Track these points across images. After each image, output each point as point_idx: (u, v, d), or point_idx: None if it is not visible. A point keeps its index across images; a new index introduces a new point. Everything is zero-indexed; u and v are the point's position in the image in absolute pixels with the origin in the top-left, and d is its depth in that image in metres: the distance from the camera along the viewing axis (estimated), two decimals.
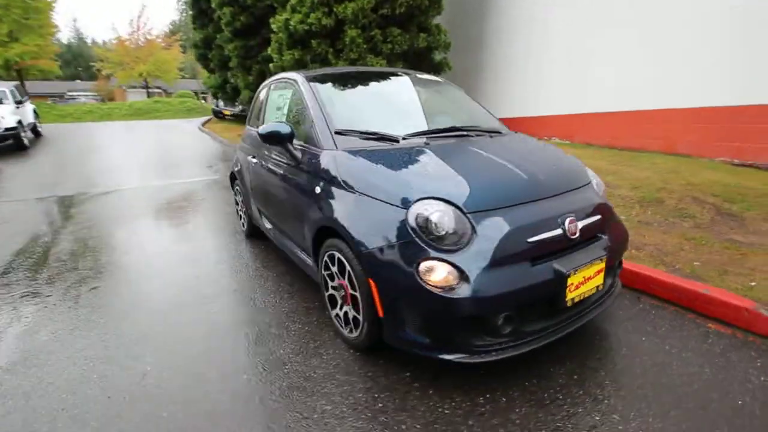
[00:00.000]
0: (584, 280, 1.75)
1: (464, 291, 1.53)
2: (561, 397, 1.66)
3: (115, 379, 1.89)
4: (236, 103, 14.61)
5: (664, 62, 5.08)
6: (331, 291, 2.16)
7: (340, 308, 2.10)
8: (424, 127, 2.39)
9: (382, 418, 1.60)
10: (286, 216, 2.67)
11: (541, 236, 1.67)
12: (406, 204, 1.69)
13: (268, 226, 3.15)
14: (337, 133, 2.18)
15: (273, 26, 8.22)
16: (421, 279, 1.57)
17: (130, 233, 4.12)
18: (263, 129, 2.34)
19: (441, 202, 1.66)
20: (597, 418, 1.55)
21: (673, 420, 1.52)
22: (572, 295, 1.72)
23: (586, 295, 1.79)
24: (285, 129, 2.29)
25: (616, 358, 1.91)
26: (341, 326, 2.11)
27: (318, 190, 2.10)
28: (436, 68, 8.47)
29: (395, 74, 2.94)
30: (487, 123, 2.63)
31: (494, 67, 8.78)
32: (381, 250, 1.69)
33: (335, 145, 2.12)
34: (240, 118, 20.09)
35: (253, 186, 3.33)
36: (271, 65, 9.05)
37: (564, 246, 1.74)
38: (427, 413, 1.61)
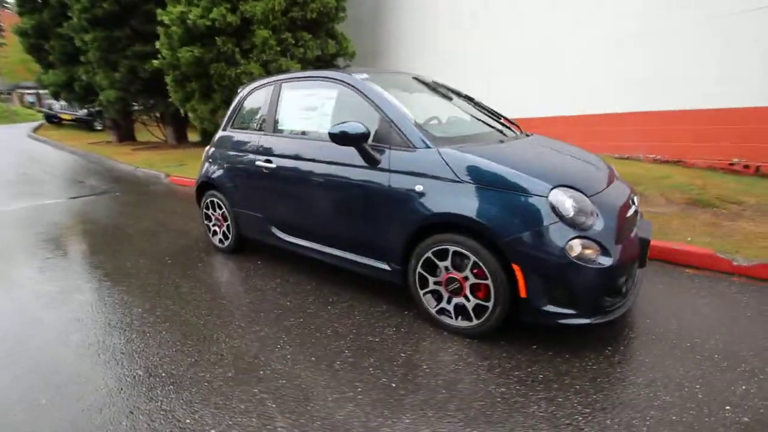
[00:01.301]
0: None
1: (606, 261, 1.83)
2: (654, 336, 2.10)
3: None
4: (89, 105, 11.83)
5: (558, 81, 6.40)
6: (432, 287, 2.21)
7: (448, 302, 2.17)
8: (479, 127, 2.62)
9: (555, 385, 1.77)
10: (343, 223, 2.54)
11: (630, 212, 2.10)
12: (542, 192, 1.89)
13: (289, 239, 2.90)
14: None
15: (164, 18, 7.18)
16: (571, 256, 1.81)
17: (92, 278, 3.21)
18: (337, 129, 2.22)
19: (571, 189, 1.92)
20: (688, 344, 2.02)
21: (728, 334, 2.09)
22: (647, 256, 2.19)
23: (648, 258, 2.29)
24: (362, 129, 2.21)
25: (659, 302, 2.45)
26: (451, 319, 2.17)
27: (420, 188, 2.12)
28: None
29: (419, 78, 3.05)
30: (509, 126, 2.99)
31: None
32: (527, 236, 1.86)
33: (429, 143, 2.17)
34: (85, 123, 16.48)
35: (262, 196, 3.02)
36: (155, 62, 7.88)
37: (636, 220, 2.20)
38: (582, 372, 1.85)
